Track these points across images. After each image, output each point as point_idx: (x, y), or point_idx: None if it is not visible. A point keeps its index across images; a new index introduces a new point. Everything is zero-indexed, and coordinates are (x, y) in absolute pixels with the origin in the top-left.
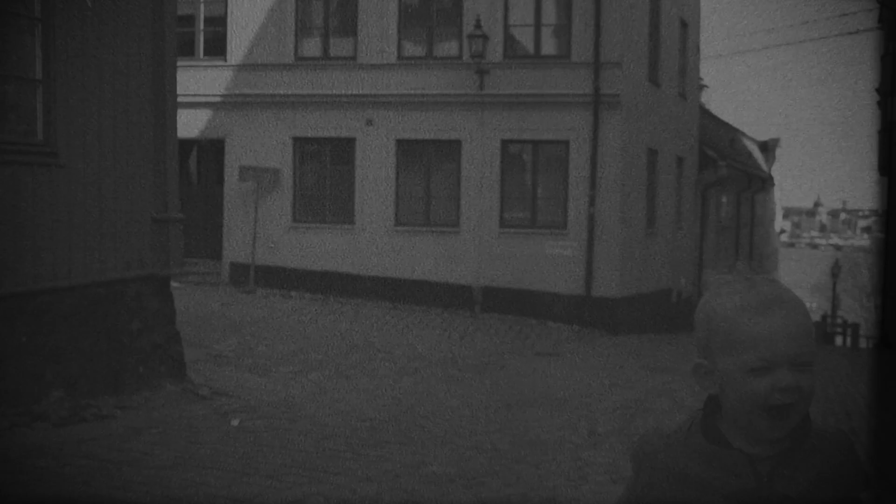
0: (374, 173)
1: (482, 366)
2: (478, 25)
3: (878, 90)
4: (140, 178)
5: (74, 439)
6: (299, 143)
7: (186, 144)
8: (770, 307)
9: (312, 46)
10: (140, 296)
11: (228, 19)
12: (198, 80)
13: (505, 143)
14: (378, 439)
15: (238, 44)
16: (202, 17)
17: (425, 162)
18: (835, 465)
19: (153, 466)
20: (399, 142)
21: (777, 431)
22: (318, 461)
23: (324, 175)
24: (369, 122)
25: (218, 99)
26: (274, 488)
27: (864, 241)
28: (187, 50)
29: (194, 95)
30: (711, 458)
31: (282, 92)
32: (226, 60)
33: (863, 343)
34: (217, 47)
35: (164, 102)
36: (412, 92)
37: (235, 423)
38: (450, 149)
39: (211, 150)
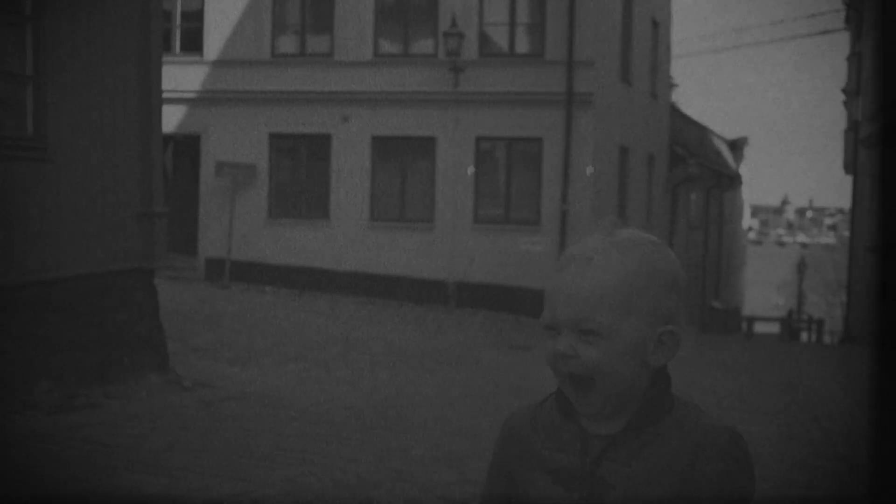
0: (350, 169)
1: (457, 359)
2: (453, 24)
3: (844, 90)
4: (126, 172)
5: (68, 426)
6: (275, 139)
7: (162, 140)
8: (569, 264)
9: (289, 43)
10: (126, 288)
11: (205, 15)
12: (174, 76)
13: (479, 140)
14: (362, 425)
15: (214, 40)
16: (179, 12)
17: (400, 158)
18: (685, 462)
19: (148, 450)
20: (374, 138)
21: (582, 404)
22: (306, 445)
23: (300, 171)
24: (345, 119)
25: (194, 95)
26: (266, 468)
27: (830, 238)
28: (164, 45)
29: (171, 91)
30: (553, 431)
31: (258, 88)
32: (202, 56)
33: (827, 339)
34: (194, 43)
35: (150, 98)
36: (388, 89)
37: None
38: (425, 145)
39: (187, 145)
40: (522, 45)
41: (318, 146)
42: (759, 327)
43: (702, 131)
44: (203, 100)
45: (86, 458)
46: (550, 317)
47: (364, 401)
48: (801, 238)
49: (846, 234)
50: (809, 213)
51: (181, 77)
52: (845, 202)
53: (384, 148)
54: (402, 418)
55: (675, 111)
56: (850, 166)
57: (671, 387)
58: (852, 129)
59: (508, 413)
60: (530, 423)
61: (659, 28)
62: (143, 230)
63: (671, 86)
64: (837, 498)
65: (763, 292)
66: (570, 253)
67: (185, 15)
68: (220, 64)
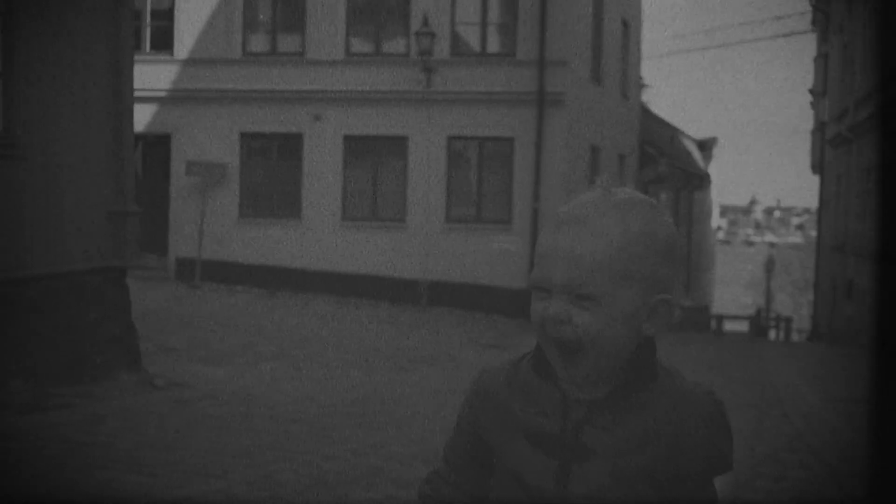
0: (322, 168)
1: (431, 357)
2: (425, 23)
3: (811, 91)
4: (98, 170)
5: (41, 425)
6: (247, 138)
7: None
8: (566, 224)
9: (260, 42)
10: (98, 287)
11: (175, 13)
12: (144, 75)
13: (451, 140)
14: (338, 423)
15: (185, 38)
16: (149, 10)
17: (372, 157)
18: (671, 429)
19: (124, 448)
20: (346, 137)
21: (567, 370)
22: (284, 442)
23: (271, 170)
24: (317, 118)
25: (164, 94)
26: (243, 465)
27: (797, 238)
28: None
29: (140, 90)
30: (529, 393)
31: (229, 87)
32: (172, 55)
33: (795, 336)
34: (164, 41)
35: (122, 96)
36: (360, 88)
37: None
38: (397, 145)
39: (157, 145)
40: (494, 45)
41: (290, 145)
42: (729, 325)
43: (672, 131)
44: (173, 99)
45: (60, 456)
46: (542, 278)
47: (339, 399)
48: (769, 237)
49: (813, 233)
50: (777, 213)
51: (151, 76)
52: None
53: (356, 147)
54: (378, 415)
55: (645, 111)
56: (818, 166)
57: (656, 354)
58: (819, 129)
59: (478, 372)
60: (506, 384)
61: (629, 29)
62: (115, 229)
63: (641, 86)
64: (838, 499)
65: (732, 291)
66: (567, 212)
67: (154, 13)
68: (190, 63)
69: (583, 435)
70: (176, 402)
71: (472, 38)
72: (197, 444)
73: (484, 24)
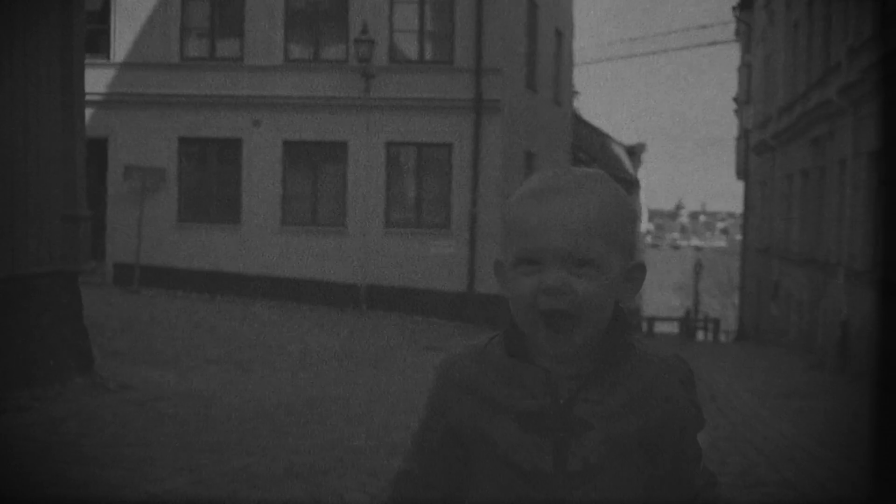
0: (261, 173)
1: (375, 360)
2: (364, 30)
3: (735, 100)
4: (50, 175)
5: (4, 426)
6: (185, 143)
7: (86, 142)
8: (551, 193)
9: (198, 46)
10: (50, 291)
11: (112, 16)
12: None
13: (390, 146)
14: (297, 421)
15: (122, 42)
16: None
17: (312, 163)
18: (656, 394)
19: (94, 446)
20: (286, 143)
21: (558, 344)
22: (248, 439)
23: (210, 175)
24: (256, 123)
25: (100, 97)
26: (215, 460)
27: (722, 242)
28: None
29: None
30: (509, 375)
31: (167, 91)
32: (109, 59)
33: (723, 337)
34: (100, 45)
35: (73, 100)
36: (299, 94)
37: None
38: (336, 150)
39: (93, 149)
40: (432, 53)
41: (229, 150)
42: (659, 327)
43: (602, 137)
44: (110, 102)
45: (32, 455)
46: (536, 249)
47: (293, 399)
48: (695, 241)
49: (738, 237)
50: (703, 218)
51: (87, 79)
52: (737, 206)
53: (296, 152)
54: (334, 414)
55: (577, 118)
56: (742, 172)
57: (628, 322)
58: (743, 136)
59: (441, 364)
60: (480, 371)
61: (562, 37)
62: (68, 233)
63: (573, 93)
64: (837, 499)
65: (661, 294)
66: (546, 185)
67: (88, 15)
68: (127, 66)
69: (575, 409)
70: (132, 403)
71: (410, 45)
72: (164, 441)
73: (422, 32)
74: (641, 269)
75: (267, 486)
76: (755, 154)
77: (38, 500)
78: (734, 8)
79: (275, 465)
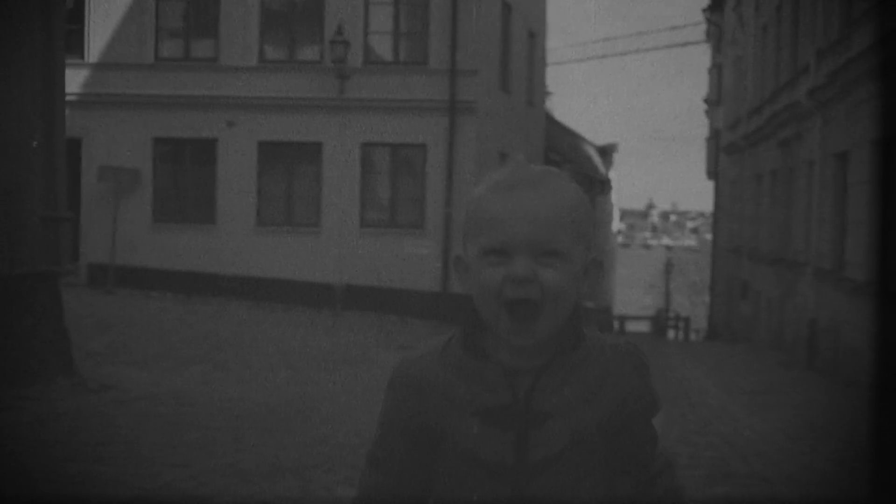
0: (236, 174)
1: (351, 359)
2: (339, 31)
3: (706, 100)
4: (30, 176)
5: None
6: (160, 143)
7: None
8: (516, 186)
9: (173, 47)
10: (31, 292)
11: (86, 16)
12: None
13: (365, 146)
14: (279, 419)
15: (96, 42)
16: None
17: (287, 163)
18: (611, 381)
19: (84, 444)
20: (261, 143)
21: (521, 335)
22: (233, 437)
23: (185, 176)
24: (231, 124)
25: (75, 98)
26: (203, 457)
27: (692, 241)
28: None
29: None
30: (467, 373)
31: (141, 92)
32: (83, 59)
33: (693, 335)
34: (74, 45)
35: (54, 101)
36: (274, 95)
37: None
38: (311, 151)
39: (67, 149)
40: (407, 54)
41: (204, 151)
42: (631, 326)
43: (574, 138)
44: (84, 103)
45: (24, 453)
46: (503, 241)
47: (272, 398)
48: (666, 241)
49: (708, 236)
50: (673, 217)
51: None
52: (707, 206)
53: (270, 153)
54: (315, 412)
55: (549, 118)
56: (713, 172)
57: (582, 312)
58: (714, 137)
59: (399, 366)
60: (441, 369)
61: (535, 38)
62: (48, 234)
63: (546, 94)
64: (837, 499)
65: (632, 293)
66: (511, 179)
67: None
68: (101, 67)
69: (534, 401)
70: (116, 402)
71: (385, 46)
72: (153, 439)
73: (396, 34)
74: (598, 264)
75: (258, 481)
76: (725, 154)
77: (33, 497)
78: (704, 10)
79: (263, 461)
